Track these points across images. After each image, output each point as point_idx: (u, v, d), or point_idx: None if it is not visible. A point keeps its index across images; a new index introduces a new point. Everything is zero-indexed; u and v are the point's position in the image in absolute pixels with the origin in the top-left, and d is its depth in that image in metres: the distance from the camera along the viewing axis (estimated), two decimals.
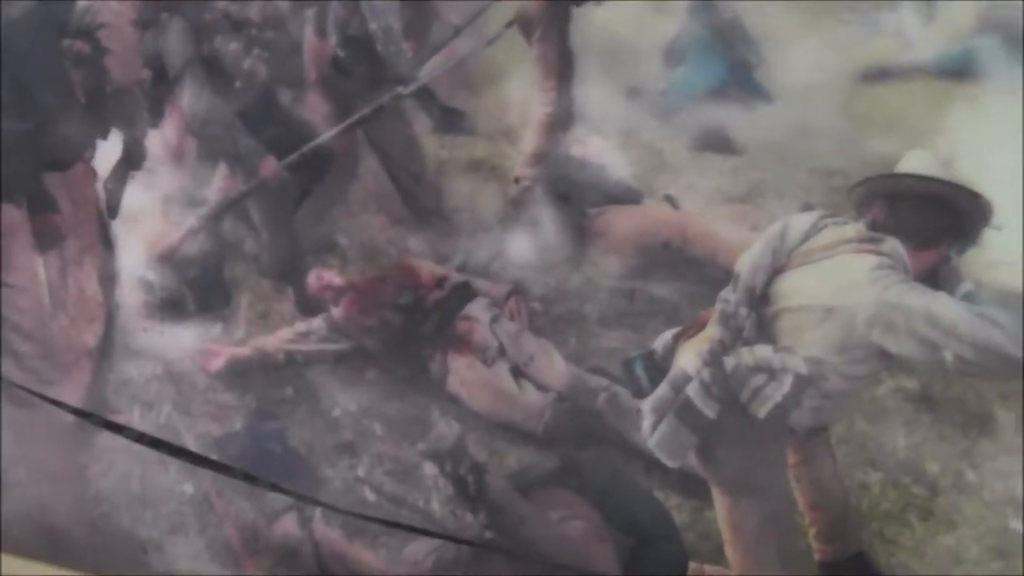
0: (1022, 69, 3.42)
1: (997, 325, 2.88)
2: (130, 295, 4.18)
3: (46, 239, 3.72)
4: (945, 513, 3.47)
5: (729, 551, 3.32)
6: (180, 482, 4.00)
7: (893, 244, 3.02)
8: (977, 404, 3.63)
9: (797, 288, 3.13)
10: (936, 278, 3.06)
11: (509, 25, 3.87)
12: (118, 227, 3.99)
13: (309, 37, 4.07)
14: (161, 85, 4.03)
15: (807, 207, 3.46)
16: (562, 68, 3.77)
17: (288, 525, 3.77)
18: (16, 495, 3.96)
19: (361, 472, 3.85)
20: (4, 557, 3.56)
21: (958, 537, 3.41)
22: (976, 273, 3.09)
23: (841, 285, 3.07)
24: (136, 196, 4.06)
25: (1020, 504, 3.47)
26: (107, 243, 3.97)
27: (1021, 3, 3.54)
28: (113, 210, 3.92)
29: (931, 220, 3.05)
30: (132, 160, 3.90)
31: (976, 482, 3.51)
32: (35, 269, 3.71)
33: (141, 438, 3.17)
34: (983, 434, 3.53)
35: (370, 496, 3.82)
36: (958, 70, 3.25)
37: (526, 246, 3.98)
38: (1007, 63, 3.23)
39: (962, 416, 3.61)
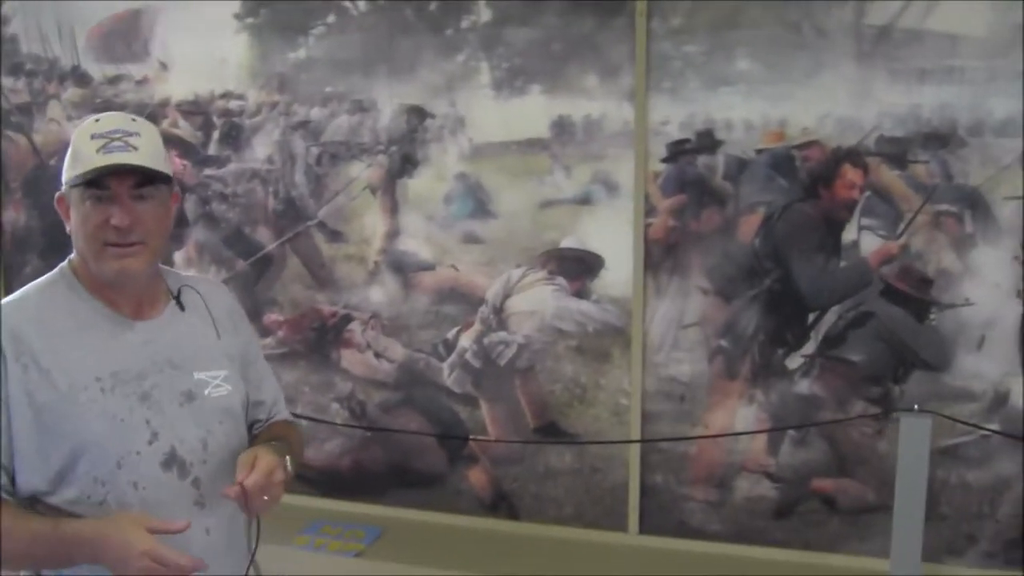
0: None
1: (609, 313, 5.01)
2: None
3: None
4: (590, 400, 5.11)
5: (490, 428, 5.32)
6: None
7: (560, 280, 5.05)
8: (601, 348, 5.07)
9: (516, 303, 5.16)
10: (581, 294, 5.05)
11: (364, 189, 5.26)
12: None
13: (262, 198, 5.42)
14: (182, 227, 5.49)
15: (519, 266, 5.11)
16: (392, 208, 5.15)
17: None
18: None
19: (299, 411, 5.42)
20: None
21: (595, 412, 5.11)
22: (598, 289, 5.03)
23: (538, 300, 5.11)
24: None
25: (626, 392, 5.03)
26: None
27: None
28: None
29: (576, 268, 5.02)
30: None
31: (604, 384, 5.09)
32: None
33: None
34: (605, 362, 5.06)
35: (304, 421, 5.33)
36: (583, 200, 4.90)
37: (379, 294, 5.29)
38: (605, 196, 4.89)
39: (594, 355, 5.09)
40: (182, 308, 2.88)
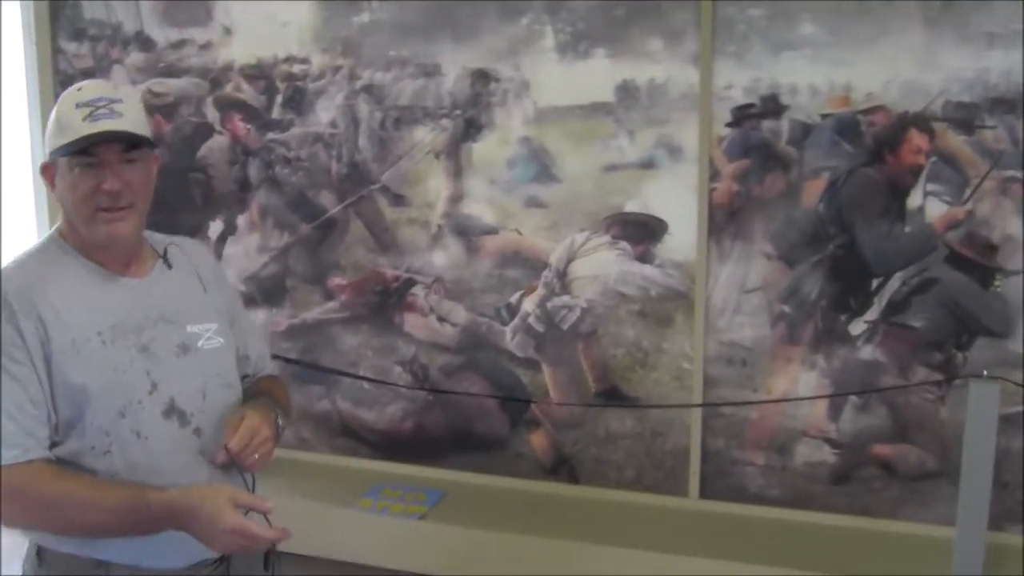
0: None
1: (672, 277, 5.01)
2: None
3: None
4: (652, 364, 5.13)
5: (552, 391, 5.34)
6: None
7: (624, 245, 5.05)
8: (664, 313, 5.07)
9: (580, 267, 5.15)
10: (644, 258, 5.05)
11: (428, 153, 5.28)
12: (223, 264, 5.54)
13: (325, 162, 5.45)
14: (245, 191, 5.59)
15: (582, 230, 5.12)
16: (456, 172, 5.14)
17: (322, 404, 5.78)
18: None
19: (361, 372, 5.63)
20: None
21: (657, 376, 5.13)
22: (662, 253, 5.04)
23: (601, 264, 5.10)
24: (232, 248, 5.76)
25: (688, 356, 5.04)
26: None
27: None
28: (219, 256, 5.68)
29: (640, 232, 5.03)
30: (229, 231, 5.77)
31: (666, 349, 5.11)
32: None
33: None
34: (667, 326, 5.07)
35: (367, 385, 5.62)
36: (647, 164, 4.88)
37: (442, 258, 5.41)
38: (669, 160, 4.88)
39: (657, 319, 5.09)
40: (169, 266, 2.95)
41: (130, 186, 2.72)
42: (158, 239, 3.05)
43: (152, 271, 2.90)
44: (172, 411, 2.76)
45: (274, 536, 2.62)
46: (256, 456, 2.80)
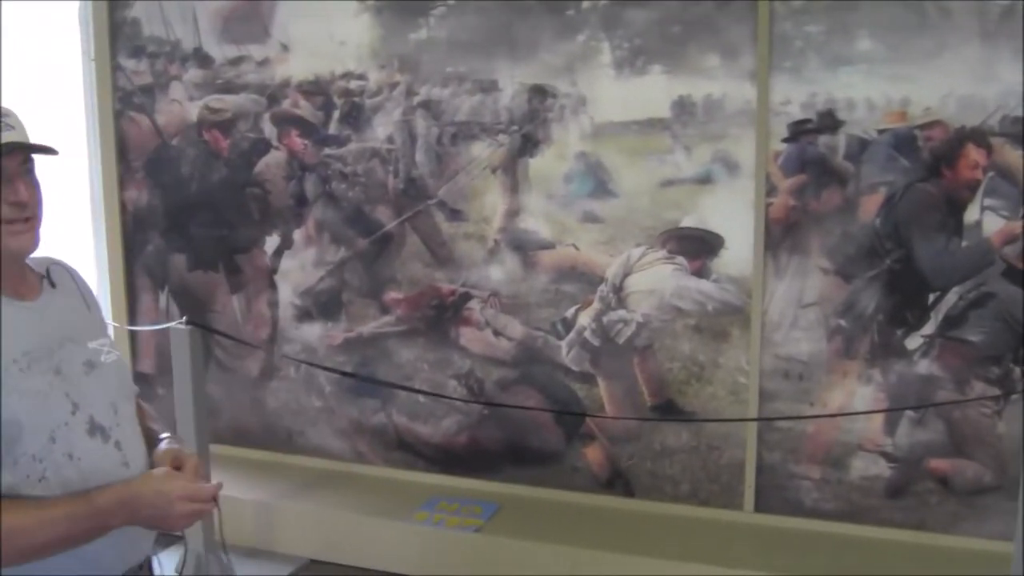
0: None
1: (728, 292, 5.08)
2: (285, 312, 5.92)
3: (235, 287, 5.97)
4: (707, 378, 5.18)
5: (607, 405, 5.39)
6: (314, 400, 5.98)
7: (680, 260, 5.14)
8: (720, 327, 5.12)
9: (636, 282, 5.24)
10: (701, 273, 5.12)
11: (485, 168, 5.32)
12: (279, 278, 5.91)
13: (382, 177, 5.50)
14: (302, 206, 5.67)
15: (638, 245, 5.18)
16: (513, 187, 5.18)
17: (378, 417, 5.89)
18: (224, 416, 6.18)
19: (417, 386, 5.65)
20: (217, 447, 5.83)
21: (712, 390, 5.18)
22: (718, 268, 5.10)
23: (657, 278, 5.19)
24: (288, 263, 5.88)
25: (744, 370, 5.08)
26: (272, 286, 5.93)
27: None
28: (275, 270, 5.89)
29: (696, 247, 5.10)
30: (285, 245, 5.87)
31: (722, 363, 5.15)
32: (231, 303, 6.00)
33: (298, 368, 5.69)
34: (723, 341, 5.12)
35: (422, 399, 5.68)
36: (704, 179, 4.92)
37: (498, 272, 5.48)
38: (726, 175, 4.92)
39: (713, 334, 5.14)
40: (53, 285, 2.92)
41: (34, 197, 2.67)
42: (35, 261, 2.92)
43: (42, 293, 2.82)
44: (95, 428, 2.71)
45: (214, 489, 2.67)
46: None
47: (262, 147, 5.94)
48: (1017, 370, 4.80)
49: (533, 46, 5.31)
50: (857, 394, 5.06)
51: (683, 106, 5.10)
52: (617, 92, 5.20)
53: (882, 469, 5.08)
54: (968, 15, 4.63)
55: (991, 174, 4.68)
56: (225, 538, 3.59)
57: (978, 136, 4.67)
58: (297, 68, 5.83)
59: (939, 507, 5.03)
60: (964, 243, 4.79)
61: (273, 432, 6.28)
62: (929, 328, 4.91)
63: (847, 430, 5.09)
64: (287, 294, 5.95)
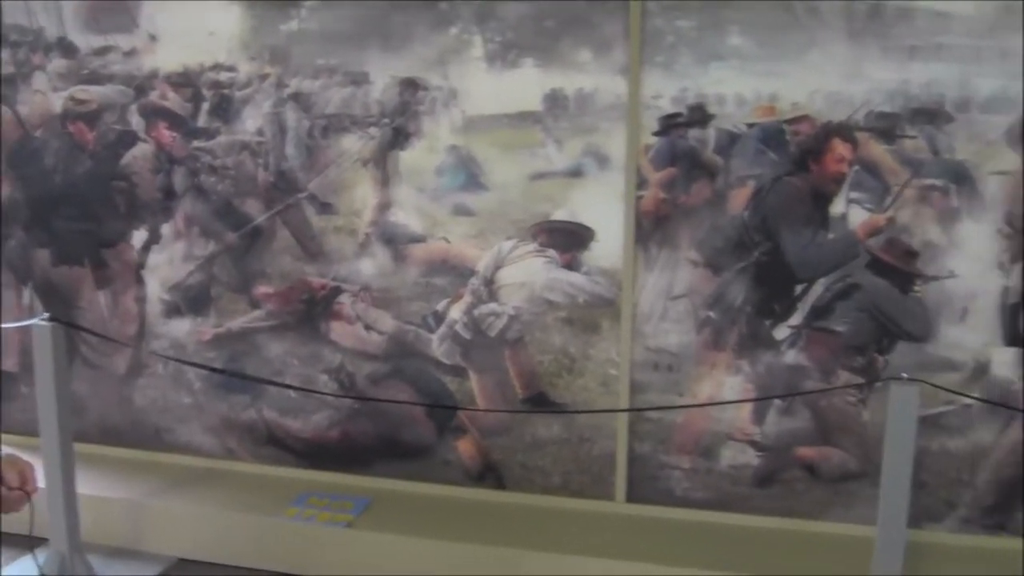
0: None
1: (599, 284, 5.12)
2: (153, 307, 5.83)
3: (101, 282, 5.88)
4: (578, 370, 5.22)
5: (479, 398, 5.41)
6: (183, 397, 5.91)
7: (551, 252, 5.16)
8: (591, 319, 5.17)
9: (507, 275, 5.26)
10: (572, 266, 5.16)
11: (356, 161, 5.31)
12: (146, 273, 5.83)
13: (252, 170, 5.48)
14: (170, 199, 5.61)
15: (510, 238, 5.22)
16: (384, 180, 5.19)
17: (248, 413, 5.85)
18: (90, 414, 6.07)
19: (287, 381, 5.63)
20: (83, 445, 5.72)
21: (584, 382, 5.23)
22: (589, 261, 5.15)
23: (528, 271, 5.21)
24: (156, 257, 5.79)
25: (615, 362, 5.13)
26: (140, 281, 5.84)
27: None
28: (143, 265, 5.80)
29: (567, 240, 5.14)
30: (153, 239, 5.79)
31: (593, 355, 5.20)
32: (97, 299, 5.89)
33: (166, 365, 5.63)
34: (594, 333, 5.17)
35: (292, 394, 5.65)
36: (575, 172, 4.97)
37: (369, 266, 5.46)
38: (597, 169, 4.96)
39: (584, 326, 5.19)
40: None
41: None
42: None
43: None
44: None
45: None
46: None
47: (129, 139, 5.84)
48: (881, 359, 4.92)
49: (405, 39, 5.29)
50: (726, 384, 5.14)
51: (555, 100, 5.13)
52: (489, 85, 5.20)
53: (751, 458, 5.18)
54: (836, 14, 4.73)
55: (856, 168, 4.80)
56: (88, 538, 3.50)
57: (844, 131, 4.78)
58: (165, 59, 5.73)
59: (806, 494, 5.14)
60: (830, 235, 4.90)
61: (141, 430, 6.18)
62: (796, 319, 5.01)
63: (716, 420, 5.18)
64: (155, 289, 5.88)
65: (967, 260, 4.79)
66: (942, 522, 5.02)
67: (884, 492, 4.31)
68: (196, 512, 5.44)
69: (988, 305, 4.81)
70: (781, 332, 5.05)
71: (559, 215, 5.22)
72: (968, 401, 4.83)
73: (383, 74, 5.37)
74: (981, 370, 4.86)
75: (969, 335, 4.85)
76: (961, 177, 4.73)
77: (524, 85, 5.17)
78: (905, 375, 4.29)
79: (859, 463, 5.03)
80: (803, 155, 4.87)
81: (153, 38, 5.75)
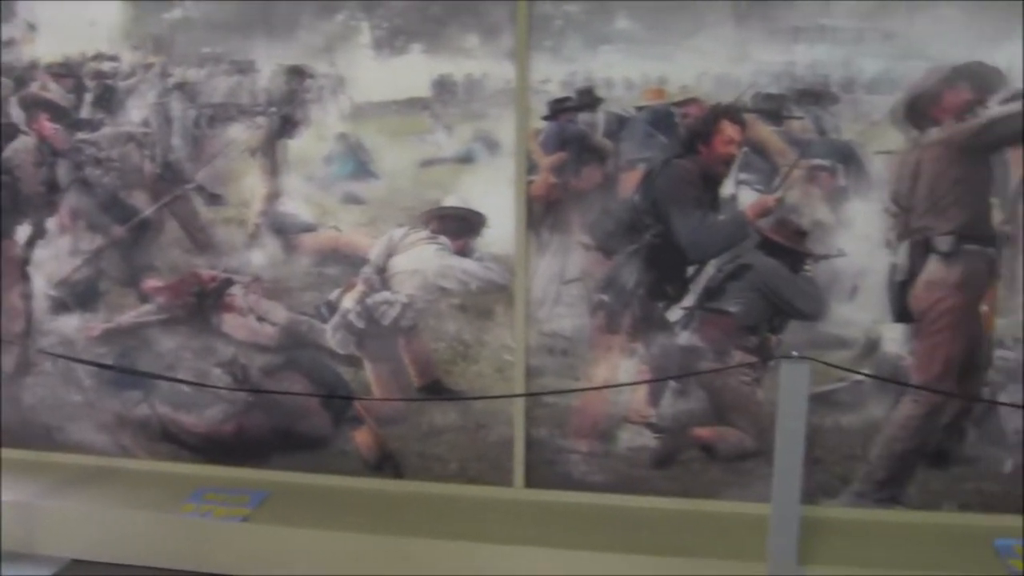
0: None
1: (492, 270, 5.15)
2: (39, 303, 5.74)
3: None
4: (474, 357, 5.27)
5: (375, 388, 5.40)
6: (73, 395, 5.83)
7: (443, 239, 5.18)
8: (484, 305, 5.20)
9: (399, 263, 5.26)
10: (464, 252, 5.18)
11: (243, 151, 5.26)
12: (32, 269, 5.74)
13: (138, 162, 5.41)
14: (54, 193, 5.51)
15: (401, 225, 5.22)
16: (273, 169, 5.17)
17: (141, 409, 5.78)
18: None
19: (179, 375, 5.57)
20: None
21: (479, 368, 5.27)
22: (481, 247, 5.18)
23: (420, 259, 5.23)
24: (41, 252, 5.69)
25: (510, 348, 5.17)
26: (25, 277, 5.75)
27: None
28: (27, 261, 5.71)
29: (459, 226, 5.16)
30: (38, 234, 5.70)
31: (488, 341, 5.24)
32: None
33: (55, 362, 5.57)
34: (488, 319, 5.21)
35: (186, 388, 5.58)
36: (465, 158, 4.99)
37: (260, 256, 5.44)
38: (487, 154, 4.99)
39: (478, 312, 5.22)
40: None
41: None
42: None
43: None
44: None
45: None
46: None
47: (10, 132, 5.72)
48: (774, 338, 4.97)
49: (291, 26, 5.25)
50: (621, 367, 5.17)
51: (443, 85, 5.12)
52: (377, 72, 5.18)
53: (648, 440, 5.22)
54: None
55: (745, 149, 4.85)
56: None
57: (732, 113, 4.82)
58: (46, 49, 5.62)
59: (704, 474, 5.19)
60: (720, 217, 4.94)
61: (30, 429, 6.06)
62: (689, 300, 5.06)
63: (613, 403, 5.22)
64: (41, 285, 5.79)
65: (855, 239, 4.86)
66: (837, 497, 5.10)
67: (777, 469, 4.37)
68: (90, 511, 5.34)
69: (877, 283, 4.89)
70: (674, 314, 5.09)
71: (450, 201, 5.22)
72: (859, 377, 4.89)
73: (269, 62, 5.32)
74: (871, 347, 4.94)
75: (859, 312, 4.92)
76: (848, 157, 4.80)
77: (412, 71, 5.15)
78: (796, 353, 4.34)
79: (755, 442, 5.09)
80: (692, 137, 4.90)
81: (32, 27, 5.64)
